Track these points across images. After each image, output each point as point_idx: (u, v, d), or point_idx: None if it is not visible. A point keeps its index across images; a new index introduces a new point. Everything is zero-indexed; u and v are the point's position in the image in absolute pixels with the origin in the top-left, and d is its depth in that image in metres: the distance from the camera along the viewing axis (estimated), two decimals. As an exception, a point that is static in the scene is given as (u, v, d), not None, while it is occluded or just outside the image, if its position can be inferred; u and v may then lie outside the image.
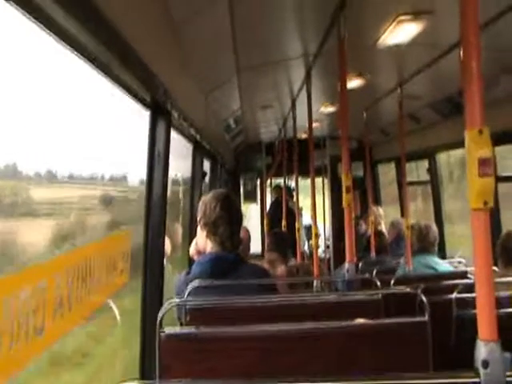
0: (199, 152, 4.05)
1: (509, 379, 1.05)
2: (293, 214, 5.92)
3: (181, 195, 5.15)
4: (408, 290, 1.95)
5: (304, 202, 6.59)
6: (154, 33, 2.06)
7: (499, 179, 3.91)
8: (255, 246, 6.45)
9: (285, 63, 3.55)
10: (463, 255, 4.25)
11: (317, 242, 3.53)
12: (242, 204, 8.00)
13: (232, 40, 2.73)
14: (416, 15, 2.50)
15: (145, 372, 2.24)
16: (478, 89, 1.08)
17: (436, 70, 3.33)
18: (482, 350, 1.06)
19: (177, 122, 2.75)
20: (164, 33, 2.18)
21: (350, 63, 2.61)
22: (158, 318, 1.68)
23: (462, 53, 1.12)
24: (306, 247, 6.78)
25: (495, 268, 3.22)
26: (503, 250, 3.08)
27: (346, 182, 2.42)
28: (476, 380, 1.06)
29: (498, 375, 1.05)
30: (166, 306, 1.81)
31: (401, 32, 2.71)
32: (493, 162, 1.03)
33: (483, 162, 1.02)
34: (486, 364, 1.05)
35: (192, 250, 2.35)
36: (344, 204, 2.43)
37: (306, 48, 3.20)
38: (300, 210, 5.65)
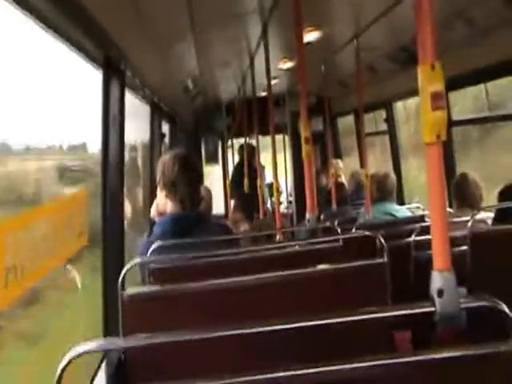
0: (157, 113, 3.99)
1: (463, 306, 1.09)
2: (256, 172, 5.93)
3: (140, 158, 5.07)
4: (367, 233, 2.00)
5: (266, 159, 6.60)
6: None
7: (453, 123, 4.03)
8: (218, 207, 6.46)
9: (241, 17, 3.48)
10: (421, 201, 4.39)
11: (278, 198, 3.56)
12: (204, 166, 7.96)
13: None
14: None
15: (109, 335, 2.24)
16: (429, 25, 1.09)
17: (391, 19, 3.34)
18: (437, 280, 1.09)
19: (131, 81, 2.68)
20: None
21: (306, 16, 2.57)
22: (120, 278, 1.68)
23: None
24: (268, 204, 6.85)
25: (450, 210, 3.34)
26: (457, 192, 3.19)
27: (304, 133, 2.43)
28: (432, 309, 1.09)
29: (452, 303, 1.08)
30: (127, 266, 1.80)
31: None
32: (445, 96, 1.06)
33: (435, 96, 1.04)
34: (441, 293, 1.08)
35: (153, 211, 2.35)
36: (304, 155, 2.45)
37: (261, 1, 3.14)
38: (262, 167, 5.66)
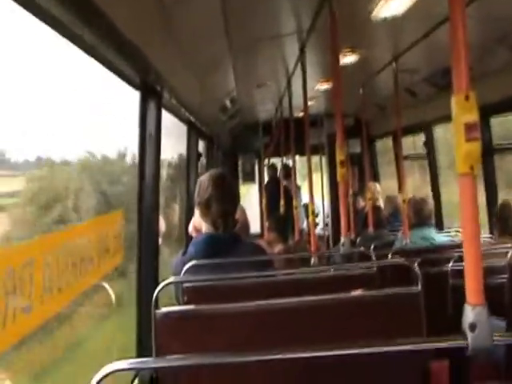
0: (194, 133, 4.05)
1: (496, 342, 1.05)
2: (289, 193, 5.91)
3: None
4: (402, 261, 1.95)
5: (303, 180, 6.58)
6: (142, 14, 2.03)
7: (496, 150, 3.92)
8: (254, 226, 6.45)
9: (278, 40, 3.51)
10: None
11: (314, 220, 3.53)
12: (241, 184, 7.98)
13: (223, 18, 2.70)
14: None
15: (142, 353, 2.26)
16: (464, 55, 1.07)
17: (430, 43, 3.30)
18: (470, 314, 1.06)
19: (168, 102, 2.73)
20: (153, 13, 2.15)
21: (344, 38, 2.57)
22: (154, 297, 1.69)
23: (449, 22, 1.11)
24: (304, 225, 6.81)
25: (491, 237, 3.25)
26: (499, 220, 3.12)
27: (340, 156, 2.42)
28: (463, 343, 1.06)
29: (484, 338, 1.05)
30: (161, 285, 1.82)
31: (394, 4, 2.67)
32: (479, 127, 1.03)
33: (469, 127, 1.01)
34: (473, 327, 1.05)
35: (191, 228, 2.36)
36: (338, 178, 2.43)
37: (299, 24, 3.16)
38: (298, 188, 5.63)
